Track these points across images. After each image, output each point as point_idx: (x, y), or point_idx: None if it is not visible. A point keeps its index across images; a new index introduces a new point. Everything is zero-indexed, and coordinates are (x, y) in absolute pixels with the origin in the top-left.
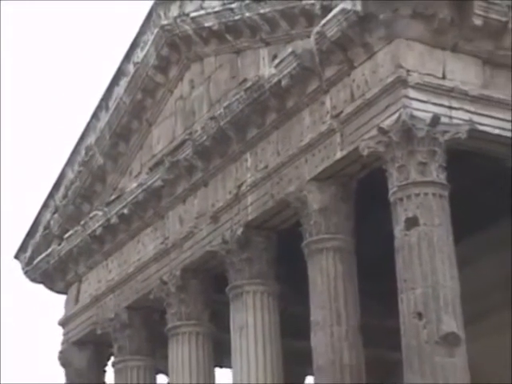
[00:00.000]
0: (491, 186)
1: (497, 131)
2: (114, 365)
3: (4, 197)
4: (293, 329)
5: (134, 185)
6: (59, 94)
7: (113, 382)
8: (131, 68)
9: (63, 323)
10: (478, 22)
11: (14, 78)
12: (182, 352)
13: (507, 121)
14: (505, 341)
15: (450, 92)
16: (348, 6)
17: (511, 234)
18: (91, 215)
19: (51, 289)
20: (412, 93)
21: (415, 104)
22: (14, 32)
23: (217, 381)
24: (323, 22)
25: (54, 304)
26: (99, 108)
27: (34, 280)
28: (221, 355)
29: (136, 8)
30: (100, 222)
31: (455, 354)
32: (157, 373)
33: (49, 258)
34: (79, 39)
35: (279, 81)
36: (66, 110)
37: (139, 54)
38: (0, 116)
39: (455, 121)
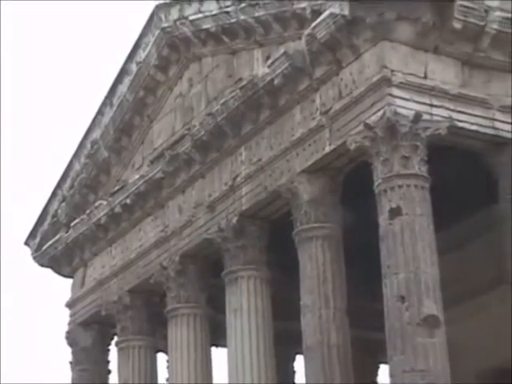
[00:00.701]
0: (469, 178)
1: (474, 128)
2: (117, 344)
3: (15, 188)
4: (284, 311)
5: (136, 176)
6: (67, 92)
7: (116, 360)
8: (134, 67)
9: (70, 305)
10: (457, 25)
11: (27, 77)
12: (181, 332)
13: (484, 118)
14: (486, 321)
15: (431, 91)
16: (336, 10)
17: (488, 223)
18: (96, 205)
19: (58, 273)
20: (396, 91)
21: (399, 102)
22: (25, 32)
23: (213, 359)
24: (313, 24)
25: (62, 287)
26: (104, 105)
27: (42, 265)
28: (217, 335)
29: (138, 11)
30: (104, 211)
31: (435, 335)
32: (157, 352)
33: (56, 245)
34: (85, 41)
35: (272, 80)
36: (73, 106)
37: (141, 54)
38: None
39: (436, 118)
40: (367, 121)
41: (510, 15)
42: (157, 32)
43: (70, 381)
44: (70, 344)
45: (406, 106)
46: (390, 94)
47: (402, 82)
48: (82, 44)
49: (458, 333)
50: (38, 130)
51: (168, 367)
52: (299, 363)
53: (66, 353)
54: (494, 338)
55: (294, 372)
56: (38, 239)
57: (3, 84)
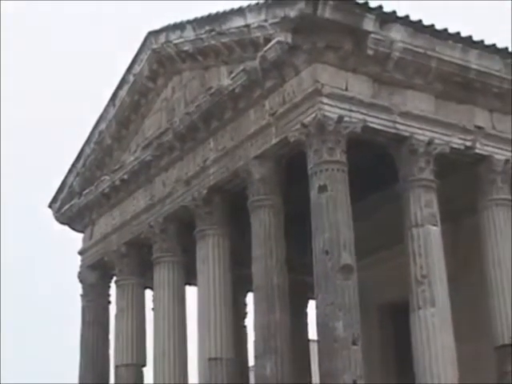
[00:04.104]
0: (377, 164)
1: (381, 127)
2: (115, 282)
3: (43, 165)
4: (239, 260)
5: (132, 158)
6: (83, 96)
7: (115, 294)
8: (131, 78)
9: (81, 252)
10: (370, 52)
11: (50, 82)
12: (163, 274)
13: (388, 121)
14: (388, 269)
15: (350, 100)
16: (282, 38)
17: (391, 197)
18: (101, 179)
19: (73, 229)
20: (325, 100)
21: (327, 107)
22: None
23: (186, 294)
24: (265, 49)
25: (76, 239)
26: (108, 105)
27: (61, 223)
28: (189, 276)
29: (135, 37)
30: (107, 184)
31: (349, 279)
32: (145, 288)
33: (72, 208)
34: (96, 58)
35: (234, 89)
36: (86, 106)
37: (137, 68)
38: None
39: (353, 120)
40: (303, 121)
41: (408, 46)
42: (149, 52)
43: (80, 308)
44: (81, 281)
45: (332, 110)
46: (321, 102)
47: (329, 93)
48: (94, 61)
49: (367, 277)
50: (59, 124)
51: (153, 300)
52: (249, 298)
53: (78, 288)
54: (392, 282)
55: (245, 304)
56: (58, 204)
57: (36, 82)
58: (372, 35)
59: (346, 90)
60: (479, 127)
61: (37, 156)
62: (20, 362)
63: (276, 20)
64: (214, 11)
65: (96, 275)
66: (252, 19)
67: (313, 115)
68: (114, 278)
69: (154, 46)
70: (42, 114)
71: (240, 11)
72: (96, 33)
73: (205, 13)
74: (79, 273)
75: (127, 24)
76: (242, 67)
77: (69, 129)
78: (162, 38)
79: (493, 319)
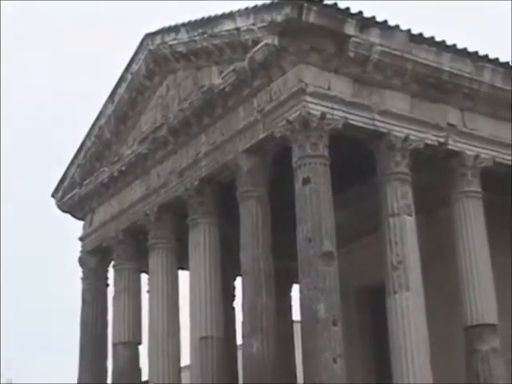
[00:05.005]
0: (358, 159)
1: (361, 124)
2: (113, 266)
3: (46, 158)
4: (229, 246)
5: (129, 151)
6: (84, 93)
7: (113, 277)
8: (129, 76)
9: (82, 239)
10: (351, 54)
11: (58, 83)
12: (158, 259)
13: (368, 118)
14: (366, 255)
15: (332, 98)
16: (269, 41)
17: (371, 189)
18: (101, 170)
19: (75, 216)
20: (309, 98)
21: (310, 105)
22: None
23: (179, 278)
24: (253, 50)
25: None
26: (108, 102)
27: (63, 211)
28: (182, 262)
29: (133, 39)
30: (107, 175)
31: (330, 265)
32: (141, 272)
33: (73, 197)
34: (98, 59)
35: (224, 87)
36: (88, 102)
37: (134, 67)
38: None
39: (335, 117)
40: (289, 118)
41: (386, 49)
42: (145, 52)
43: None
44: (81, 265)
45: (315, 108)
46: (305, 100)
47: (312, 92)
48: (95, 61)
49: (347, 263)
50: (61, 120)
51: (149, 283)
52: (238, 282)
53: (78, 271)
54: (370, 267)
55: (234, 288)
56: (60, 193)
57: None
58: (353, 39)
59: (329, 89)
60: (451, 125)
61: (38, 151)
62: (20, 360)
63: (264, 24)
64: (206, 15)
65: (95, 260)
66: (241, 23)
67: (297, 112)
68: (112, 263)
69: (151, 47)
70: (42, 113)
71: (230, 15)
72: (96, 33)
73: (198, 16)
74: (80, 258)
75: (127, 24)
76: (231, 67)
77: (69, 124)
78: (158, 40)
79: (463, 303)
